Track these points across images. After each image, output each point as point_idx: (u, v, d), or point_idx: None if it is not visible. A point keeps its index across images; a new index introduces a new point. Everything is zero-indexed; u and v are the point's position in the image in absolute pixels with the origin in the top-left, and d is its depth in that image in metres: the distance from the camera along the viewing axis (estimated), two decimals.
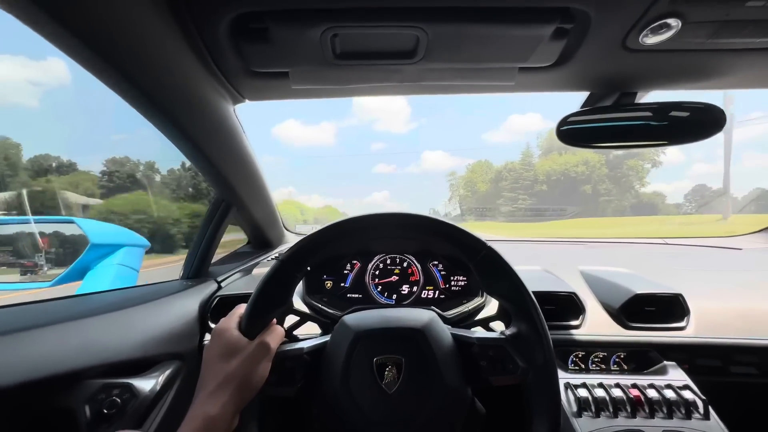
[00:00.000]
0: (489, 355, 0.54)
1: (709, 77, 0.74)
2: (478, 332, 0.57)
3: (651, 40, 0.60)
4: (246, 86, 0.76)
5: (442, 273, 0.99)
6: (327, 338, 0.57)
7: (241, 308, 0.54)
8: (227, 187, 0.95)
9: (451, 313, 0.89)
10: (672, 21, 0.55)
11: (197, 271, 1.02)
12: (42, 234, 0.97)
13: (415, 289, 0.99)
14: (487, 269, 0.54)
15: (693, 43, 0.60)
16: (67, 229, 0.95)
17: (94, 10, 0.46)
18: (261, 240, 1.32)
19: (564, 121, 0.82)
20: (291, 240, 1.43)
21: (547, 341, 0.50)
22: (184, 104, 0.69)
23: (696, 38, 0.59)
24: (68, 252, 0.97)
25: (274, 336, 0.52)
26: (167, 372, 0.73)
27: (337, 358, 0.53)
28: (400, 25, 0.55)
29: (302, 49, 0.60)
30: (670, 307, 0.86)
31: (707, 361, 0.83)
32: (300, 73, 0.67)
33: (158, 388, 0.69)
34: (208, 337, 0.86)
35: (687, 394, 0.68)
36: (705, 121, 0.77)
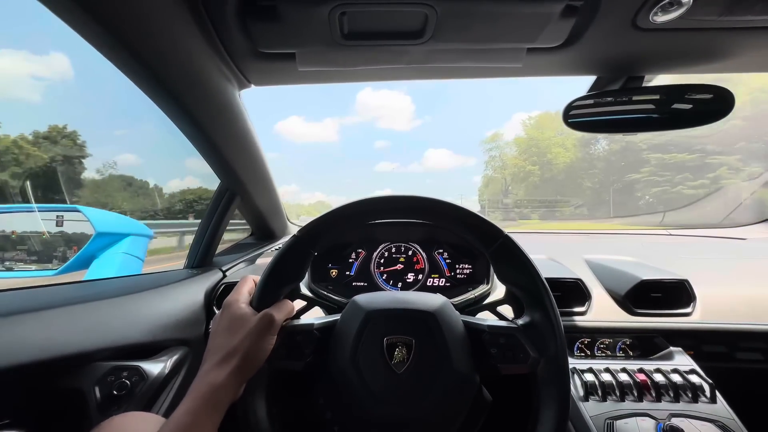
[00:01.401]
0: (500, 343, 0.53)
1: (719, 58, 0.73)
2: (490, 320, 0.57)
3: (661, 18, 0.59)
4: (252, 69, 0.75)
5: (448, 261, 0.99)
6: (338, 317, 0.57)
7: (250, 281, 0.55)
8: (232, 175, 0.95)
9: (456, 300, 0.89)
10: None
11: (202, 260, 1.02)
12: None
13: (420, 277, 0.99)
14: (503, 257, 0.54)
15: (704, 21, 0.60)
16: (72, 217, 0.95)
17: None
18: (264, 231, 1.32)
19: (570, 108, 0.82)
20: (293, 232, 1.43)
21: (560, 332, 0.49)
22: (190, 85, 0.68)
23: (707, 16, 0.58)
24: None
25: (282, 310, 0.52)
26: (175, 357, 0.74)
27: (347, 335, 0.53)
28: (409, 2, 0.55)
29: (310, 28, 0.59)
30: (676, 294, 0.86)
31: (713, 347, 0.83)
32: (307, 55, 0.67)
33: (167, 371, 0.70)
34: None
35: (694, 378, 0.68)
36: (713, 105, 0.76)
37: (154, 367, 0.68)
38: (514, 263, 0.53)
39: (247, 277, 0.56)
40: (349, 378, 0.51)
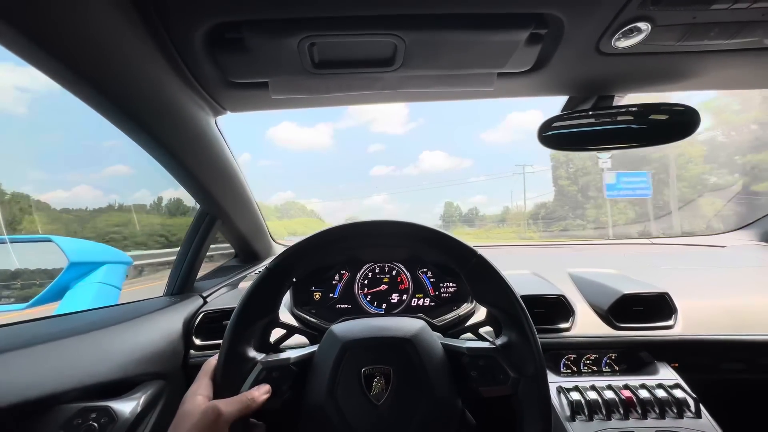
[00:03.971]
0: (479, 365, 0.52)
1: (682, 79, 0.76)
2: (468, 342, 0.56)
3: (623, 43, 0.61)
4: (226, 97, 0.75)
5: (432, 280, 0.99)
6: (314, 348, 0.56)
7: (210, 365, 0.51)
8: (211, 200, 0.94)
9: (441, 320, 0.88)
10: (642, 25, 0.57)
11: (182, 287, 0.99)
12: None
13: (404, 297, 0.98)
14: (477, 278, 0.54)
15: (664, 45, 0.62)
16: (45, 249, 0.92)
17: (60, 20, 0.45)
18: (248, 253, 1.30)
19: (545, 126, 0.84)
20: (279, 252, 1.41)
21: (538, 351, 0.49)
22: (162, 116, 0.68)
23: (666, 41, 0.60)
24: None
25: (235, 403, 0.46)
26: (149, 392, 0.70)
27: (325, 368, 0.51)
28: (376, 33, 0.56)
29: (280, 59, 0.60)
30: (657, 307, 0.87)
31: (697, 359, 0.84)
32: (279, 83, 0.67)
33: (139, 409, 0.66)
34: (192, 353, 0.83)
35: (678, 393, 0.69)
36: (681, 122, 0.79)
37: (126, 406, 0.65)
38: (488, 283, 0.53)
39: (209, 360, 0.51)
40: (327, 413, 0.49)
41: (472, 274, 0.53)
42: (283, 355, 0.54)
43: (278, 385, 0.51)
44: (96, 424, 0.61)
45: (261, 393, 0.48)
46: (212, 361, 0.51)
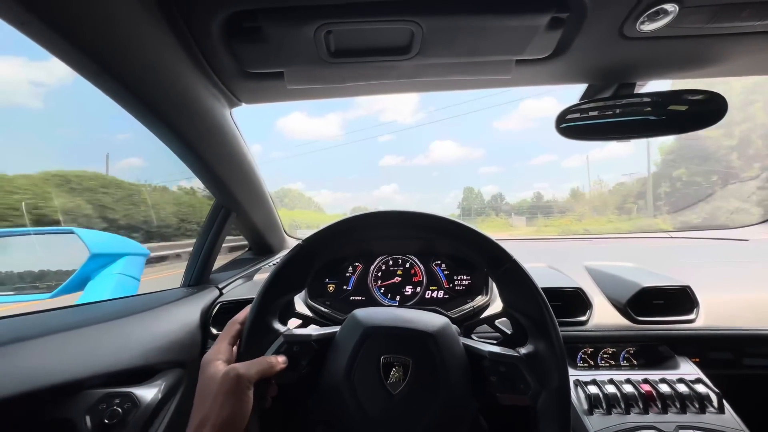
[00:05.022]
0: (500, 371, 0.51)
1: (708, 64, 0.73)
2: (491, 346, 0.55)
3: (648, 27, 0.59)
4: (241, 88, 0.75)
5: (446, 273, 0.98)
6: (337, 329, 0.56)
7: (234, 326, 0.51)
8: (226, 192, 0.95)
9: (456, 312, 0.88)
10: (669, 6, 0.55)
11: (198, 279, 1.01)
12: None
13: (418, 289, 0.98)
14: (509, 282, 0.52)
15: (691, 28, 0.60)
16: (67, 240, 0.95)
17: (83, 12, 0.46)
18: (262, 246, 1.31)
19: (563, 116, 0.82)
20: (292, 245, 1.42)
21: (564, 364, 0.47)
22: (179, 108, 0.68)
23: (694, 23, 0.58)
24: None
25: (254, 366, 0.46)
26: (169, 380, 0.72)
27: (344, 350, 0.51)
28: (394, 20, 0.55)
29: (296, 48, 0.60)
30: (678, 300, 0.85)
31: (719, 354, 0.81)
32: (295, 73, 0.67)
33: (160, 396, 0.68)
34: (210, 344, 0.85)
35: (700, 388, 0.67)
36: (706, 109, 0.76)
37: (147, 393, 0.67)
38: (520, 290, 0.51)
39: (230, 323, 0.51)
40: (342, 395, 0.49)
41: (503, 277, 0.52)
42: (306, 331, 0.54)
43: (297, 359, 0.51)
44: (120, 410, 0.62)
45: (279, 361, 0.49)
46: (233, 324, 0.51)
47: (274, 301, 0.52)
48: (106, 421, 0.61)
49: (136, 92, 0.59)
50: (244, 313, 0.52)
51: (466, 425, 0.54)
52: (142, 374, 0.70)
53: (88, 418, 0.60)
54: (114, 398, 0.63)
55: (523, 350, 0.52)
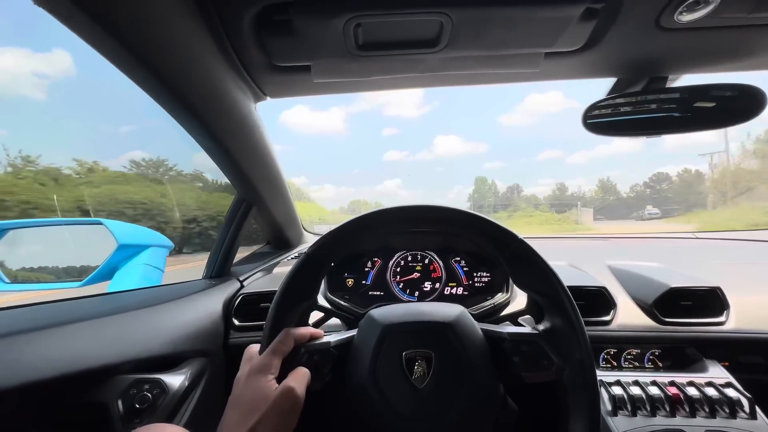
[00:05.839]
0: (522, 351, 0.51)
1: (749, 56, 0.70)
2: (509, 327, 0.55)
3: (687, 17, 0.57)
4: (268, 82, 0.76)
5: (465, 269, 0.98)
6: (354, 332, 0.56)
7: (284, 346, 0.49)
8: (249, 186, 0.96)
9: (476, 308, 0.87)
10: None
11: (220, 271, 1.03)
12: None
13: (437, 285, 0.97)
14: (518, 262, 0.52)
15: (732, 18, 0.57)
16: (95, 230, 0.98)
17: (124, 6, 0.47)
18: (280, 240, 1.32)
19: (591, 110, 0.80)
20: (309, 240, 1.44)
21: (584, 336, 0.47)
22: (210, 102, 0.69)
23: (736, 13, 0.56)
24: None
25: (299, 377, 0.46)
26: (195, 368, 0.74)
27: (365, 352, 0.52)
28: (424, 12, 0.55)
29: (325, 41, 0.60)
30: (707, 302, 0.82)
31: (750, 358, 0.79)
32: (322, 66, 0.67)
33: (187, 383, 0.70)
34: (232, 333, 0.86)
35: (731, 392, 0.65)
36: (743, 104, 0.73)
37: (175, 380, 0.69)
38: (529, 268, 0.52)
39: (285, 336, 0.49)
40: (369, 395, 0.50)
41: (512, 259, 0.52)
42: (323, 339, 0.54)
43: (319, 368, 0.51)
44: (150, 395, 0.64)
45: (308, 373, 0.49)
46: (252, 348, 0.51)
47: (288, 312, 0.52)
48: (137, 406, 0.63)
49: (167, 83, 0.60)
50: (302, 330, 0.52)
51: (495, 408, 0.54)
52: (169, 362, 0.72)
53: (120, 402, 0.62)
54: (144, 384, 0.65)
55: (541, 326, 0.53)
